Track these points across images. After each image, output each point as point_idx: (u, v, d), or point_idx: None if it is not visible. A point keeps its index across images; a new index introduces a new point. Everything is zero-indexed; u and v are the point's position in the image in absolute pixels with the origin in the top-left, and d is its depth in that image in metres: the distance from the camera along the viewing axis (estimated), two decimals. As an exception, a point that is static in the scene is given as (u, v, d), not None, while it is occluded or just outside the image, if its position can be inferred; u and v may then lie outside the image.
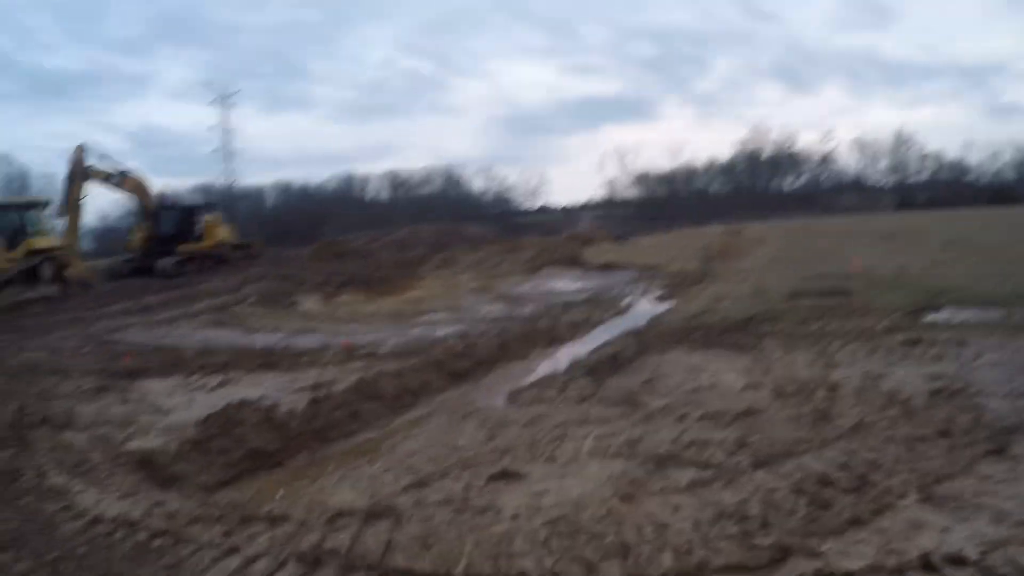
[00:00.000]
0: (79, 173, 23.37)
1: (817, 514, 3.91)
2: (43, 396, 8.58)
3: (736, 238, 37.37)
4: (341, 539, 4.17)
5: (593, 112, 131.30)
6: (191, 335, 13.95)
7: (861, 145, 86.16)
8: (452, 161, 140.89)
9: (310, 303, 19.12)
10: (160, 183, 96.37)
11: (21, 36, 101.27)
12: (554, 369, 9.05)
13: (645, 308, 15.05)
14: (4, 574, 4.22)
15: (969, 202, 59.76)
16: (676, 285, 18.28)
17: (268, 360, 10.45)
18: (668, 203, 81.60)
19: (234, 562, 4.11)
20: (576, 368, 8.61)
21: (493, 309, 16.57)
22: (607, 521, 4.06)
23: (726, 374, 7.69)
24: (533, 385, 8.13)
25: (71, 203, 23.20)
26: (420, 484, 5.01)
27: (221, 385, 9.26)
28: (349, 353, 10.76)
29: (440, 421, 7.15)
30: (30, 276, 19.97)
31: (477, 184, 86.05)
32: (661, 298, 16.42)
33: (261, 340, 13.15)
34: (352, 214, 63.33)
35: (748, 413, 5.98)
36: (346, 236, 40.00)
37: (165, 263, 24.83)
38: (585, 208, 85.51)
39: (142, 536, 4.61)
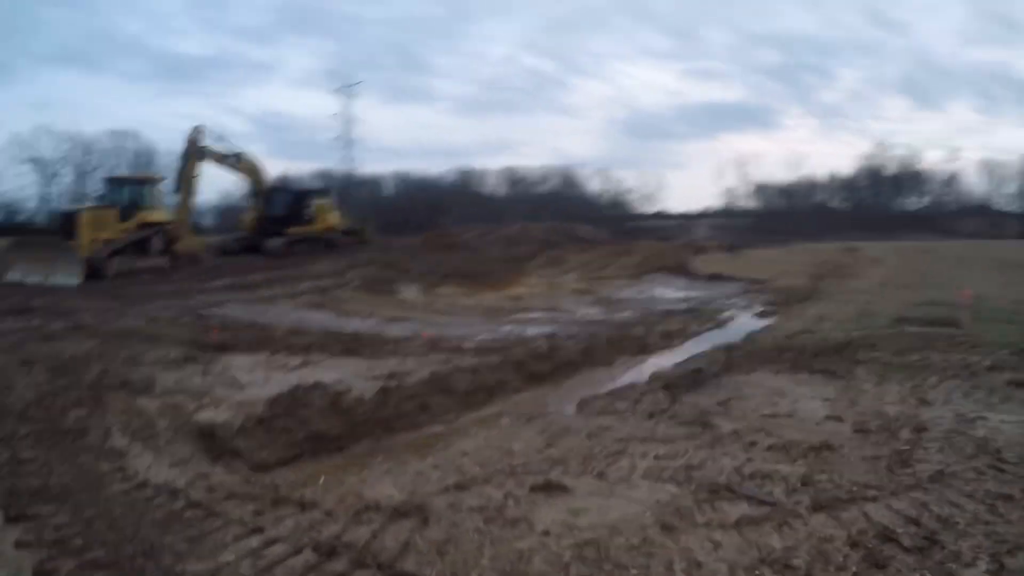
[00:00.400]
0: (194, 152, 24.50)
1: (869, 574, 3.42)
2: (130, 361, 9.00)
3: (851, 256, 35.42)
4: (361, 533, 4.08)
5: (713, 119, 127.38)
6: (286, 315, 14.39)
7: (988, 167, 79.60)
8: (570, 161, 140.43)
9: (410, 292, 19.38)
10: (281, 166, 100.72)
11: (153, 21, 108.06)
12: (634, 379, 8.75)
13: (744, 323, 14.45)
14: (41, 525, 4.36)
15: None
16: (781, 301, 17.40)
17: (352, 345, 10.55)
18: (786, 216, 78.55)
19: (254, 542, 4.11)
20: (655, 380, 8.26)
21: (590, 312, 16.34)
22: (639, 551, 3.77)
23: (809, 402, 7.12)
24: (607, 395, 7.86)
25: (185, 180, 24.32)
26: (461, 486, 4.85)
27: (302, 366, 9.40)
28: (432, 345, 10.65)
29: (504, 422, 7.01)
30: (141, 247, 21.13)
31: (594, 185, 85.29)
32: (762, 314, 15.68)
33: (353, 325, 13.40)
34: (468, 207, 64.03)
35: (822, 448, 5.46)
36: (458, 228, 40.47)
37: (274, 243, 25.81)
38: (702, 216, 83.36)
39: (178, 505, 4.70)
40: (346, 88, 63.93)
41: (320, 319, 14.08)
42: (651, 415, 6.66)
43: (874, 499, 4.38)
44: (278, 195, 28.55)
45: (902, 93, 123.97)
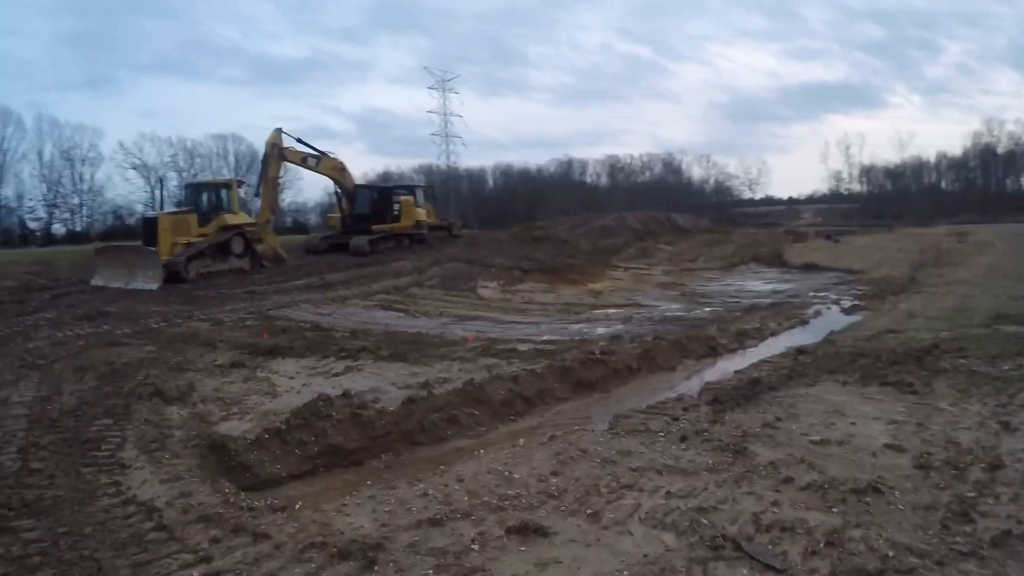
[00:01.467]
0: (275, 154, 25.01)
1: None
2: (176, 367, 9.20)
3: (958, 242, 33.09)
4: (295, 573, 3.83)
5: (816, 100, 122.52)
6: (353, 315, 14.50)
7: None
8: (671, 148, 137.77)
9: (489, 289, 19.23)
10: (383, 163, 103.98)
11: (247, 26, 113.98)
12: (684, 390, 8.31)
13: (828, 320, 13.74)
14: (13, 540, 4.42)
15: None
16: (873, 295, 16.64)
17: (402, 350, 10.40)
18: (894, 199, 74.24)
19: (195, 573, 3.94)
20: (706, 393, 7.74)
21: (671, 307, 15.89)
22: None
23: (870, 424, 6.39)
24: (647, 410, 7.32)
25: (267, 182, 24.86)
26: (436, 521, 4.56)
27: (344, 372, 9.36)
28: (485, 349, 10.47)
29: (520, 442, 6.67)
30: (222, 250, 21.64)
31: (696, 172, 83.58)
32: (850, 309, 14.92)
33: (418, 325, 13.37)
34: (569, 198, 63.84)
35: (868, 490, 4.76)
36: (551, 220, 40.24)
37: (359, 241, 26.07)
38: (809, 201, 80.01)
39: (147, 526, 4.65)
40: (442, 83, 64.70)
41: (386, 319, 14.12)
42: (684, 438, 6.12)
43: (910, 572, 3.67)
44: (363, 193, 28.85)
45: (1012, 65, 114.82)
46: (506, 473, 5.48)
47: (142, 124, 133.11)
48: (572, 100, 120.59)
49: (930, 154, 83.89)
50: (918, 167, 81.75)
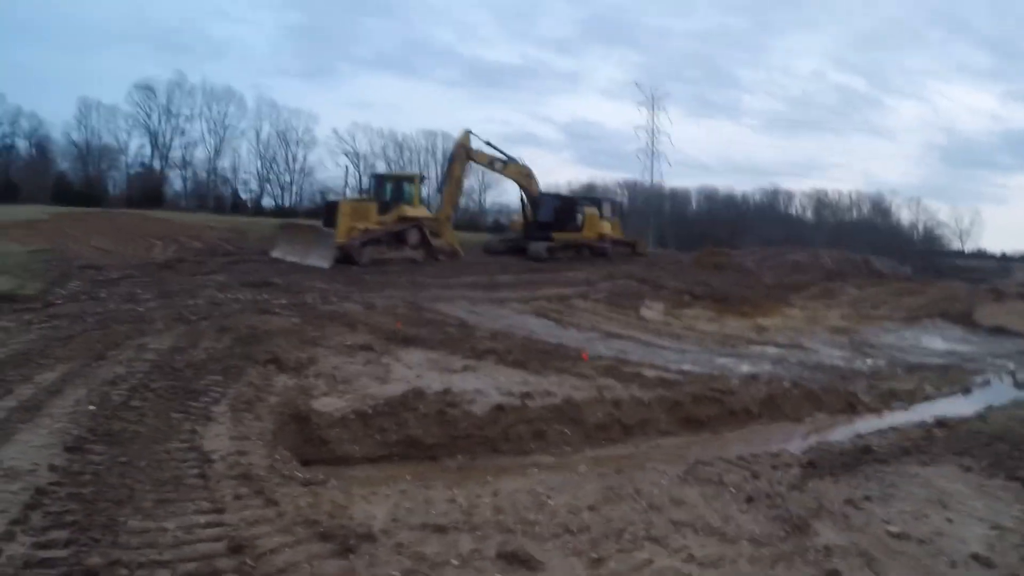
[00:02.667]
0: (461, 154, 26.07)
1: None
2: (310, 341, 9.85)
3: None
4: (271, 543, 4.01)
5: None
6: (504, 318, 14.70)
7: None
8: (881, 186, 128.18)
9: (652, 310, 18.69)
10: (588, 175, 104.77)
11: (462, 30, 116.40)
12: (792, 447, 7.62)
13: (994, 392, 12.11)
14: (81, 458, 5.07)
15: None
16: None
17: (526, 357, 10.38)
18: None
19: (201, 520, 4.27)
20: (809, 452, 7.04)
21: (832, 354, 14.68)
22: None
23: (968, 525, 5.34)
24: (737, 460, 6.74)
25: (450, 179, 26.00)
26: (442, 528, 4.52)
27: (463, 370, 9.44)
28: (610, 369, 10.22)
29: (582, 469, 6.57)
30: (398, 239, 22.90)
31: (905, 216, 77.41)
32: None
33: (563, 336, 13.35)
34: (771, 228, 61.21)
35: None
36: (743, 250, 38.83)
37: (537, 247, 26.58)
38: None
39: (192, 472, 5.04)
40: (652, 100, 64.26)
41: (534, 326, 14.17)
42: (751, 499, 5.53)
43: None
44: (547, 200, 29.23)
45: None
46: (544, 497, 5.31)
47: (356, 115, 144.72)
48: (782, 128, 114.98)
49: None
50: None
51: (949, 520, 5.49)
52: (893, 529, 5.22)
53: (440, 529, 4.52)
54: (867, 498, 5.81)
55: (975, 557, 4.83)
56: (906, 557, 4.78)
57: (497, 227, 51.59)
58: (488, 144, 26.68)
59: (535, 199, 28.65)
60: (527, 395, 8.27)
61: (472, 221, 54.98)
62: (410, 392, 7.66)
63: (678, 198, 74.03)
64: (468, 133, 26.10)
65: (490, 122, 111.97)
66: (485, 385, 8.73)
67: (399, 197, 23.56)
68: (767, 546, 4.71)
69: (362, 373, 8.77)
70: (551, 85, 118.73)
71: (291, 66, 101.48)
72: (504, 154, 27.49)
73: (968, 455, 7.12)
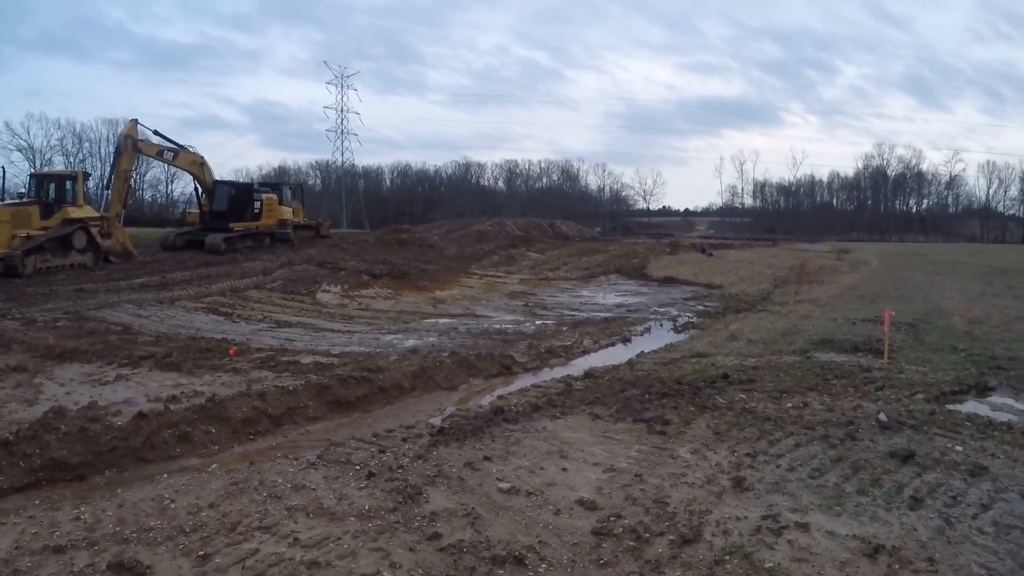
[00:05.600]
0: (128, 146, 24.69)
1: None
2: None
3: (836, 259, 35.35)
4: None
5: (713, 114, 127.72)
6: (172, 318, 14.74)
7: (991, 169, 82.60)
8: (568, 155, 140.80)
9: (329, 294, 19.45)
10: (278, 157, 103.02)
11: (135, 7, 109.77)
12: (436, 419, 8.08)
13: (651, 339, 13.97)
14: None
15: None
16: (715, 313, 17.26)
17: (182, 358, 10.51)
18: (787, 215, 79.01)
19: None
20: (446, 420, 7.73)
21: (504, 320, 16.13)
22: None
23: (584, 472, 5.96)
24: (371, 438, 7.12)
25: (118, 175, 24.60)
26: (59, 549, 4.63)
27: (114, 381, 9.37)
28: (267, 360, 10.54)
29: (213, 468, 6.58)
30: (64, 244, 21.37)
31: (592, 181, 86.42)
32: (682, 327, 15.32)
33: (230, 331, 13.62)
34: (467, 200, 64.78)
35: (511, 560, 4.36)
36: (428, 224, 40.76)
37: (214, 239, 26.09)
38: (705, 214, 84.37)
39: None
40: (339, 78, 64.54)
41: (203, 323, 14.35)
42: (371, 475, 5.86)
43: None
44: (222, 190, 28.62)
45: (905, 91, 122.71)
46: (168, 501, 5.43)
47: (29, 104, 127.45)
48: (469, 102, 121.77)
49: (823, 173, 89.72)
50: (811, 185, 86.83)
51: (564, 470, 5.93)
52: (503, 486, 5.53)
53: (59, 550, 4.62)
54: (487, 459, 6.21)
55: (580, 502, 5.20)
56: (511, 512, 5.06)
57: (161, 222, 49.12)
58: (156, 133, 25.66)
59: (210, 189, 27.93)
60: (173, 398, 8.42)
61: (160, 215, 51.54)
62: (49, 412, 7.47)
63: (372, 176, 75.04)
64: (134, 123, 24.74)
65: (169, 106, 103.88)
66: (135, 393, 8.77)
67: (62, 198, 21.99)
68: (374, 519, 4.93)
69: (11, 398, 8.50)
70: (233, 65, 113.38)
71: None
72: (174, 143, 26.49)
73: (600, 403, 7.97)
